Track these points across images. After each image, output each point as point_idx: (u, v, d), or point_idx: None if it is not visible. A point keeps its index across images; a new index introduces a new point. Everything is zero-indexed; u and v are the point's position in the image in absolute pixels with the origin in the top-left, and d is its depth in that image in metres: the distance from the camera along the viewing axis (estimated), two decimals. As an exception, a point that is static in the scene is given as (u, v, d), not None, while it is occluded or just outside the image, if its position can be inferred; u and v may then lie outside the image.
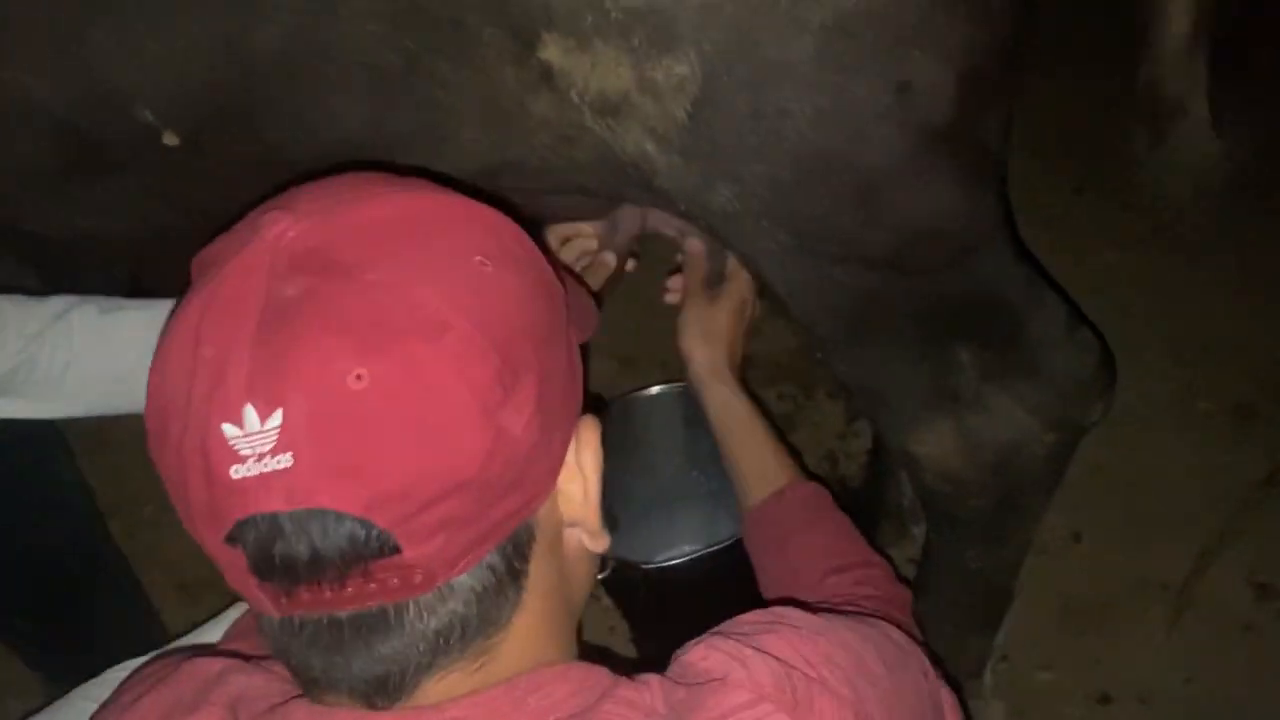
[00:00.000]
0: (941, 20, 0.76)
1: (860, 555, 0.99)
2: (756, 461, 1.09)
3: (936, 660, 0.75)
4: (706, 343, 1.14)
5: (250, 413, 0.50)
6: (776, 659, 0.59)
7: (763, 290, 1.16)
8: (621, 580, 1.34)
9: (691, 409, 1.52)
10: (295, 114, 0.85)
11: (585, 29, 0.76)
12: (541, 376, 0.56)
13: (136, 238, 1.02)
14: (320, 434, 0.50)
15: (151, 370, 0.55)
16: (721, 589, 1.25)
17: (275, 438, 0.49)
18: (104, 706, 0.67)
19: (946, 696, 0.71)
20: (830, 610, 0.79)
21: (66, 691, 1.00)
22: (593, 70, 0.78)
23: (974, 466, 1.10)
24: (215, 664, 0.64)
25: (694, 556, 1.33)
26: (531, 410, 0.54)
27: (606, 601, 1.53)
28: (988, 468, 1.10)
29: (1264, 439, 1.88)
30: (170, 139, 0.86)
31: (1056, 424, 1.06)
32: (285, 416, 0.49)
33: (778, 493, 1.06)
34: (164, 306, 1.04)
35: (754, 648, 0.60)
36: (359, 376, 0.50)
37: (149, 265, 1.06)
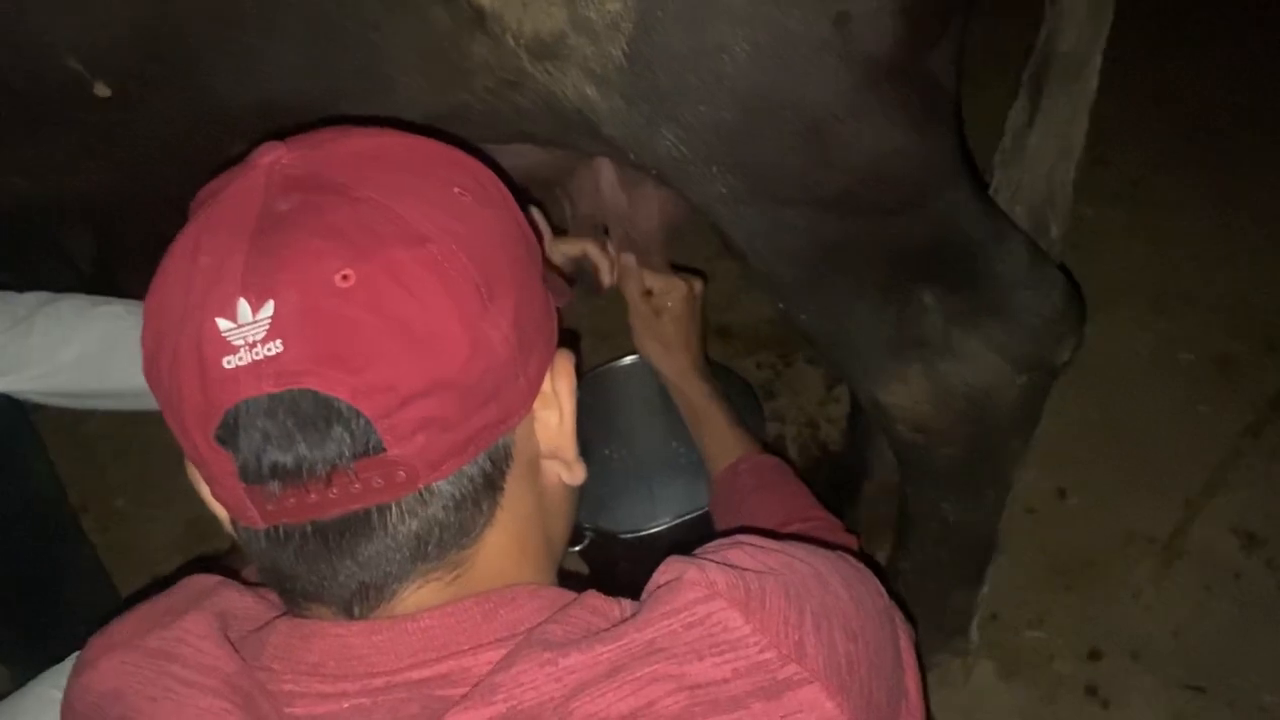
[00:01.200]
0: (877, -55, 0.75)
1: (807, 510, 1.03)
2: (718, 444, 1.19)
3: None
4: (665, 354, 1.24)
5: (243, 305, 0.53)
6: (731, 565, 0.60)
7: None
8: (600, 551, 1.33)
9: (667, 379, 1.52)
10: (228, 63, 0.84)
11: (514, -33, 0.74)
12: (518, 298, 0.59)
13: (76, 197, 1.00)
14: (309, 324, 0.53)
15: (150, 291, 0.58)
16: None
17: (267, 327, 0.52)
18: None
19: (901, 623, 0.71)
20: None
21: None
22: (525, 11, 0.76)
23: (946, 414, 1.09)
24: (211, 579, 0.67)
25: (671, 524, 1.32)
26: (509, 325, 0.57)
27: (587, 574, 1.52)
28: (959, 414, 1.08)
29: (1245, 388, 1.87)
30: (102, 90, 0.84)
31: (1027, 364, 1.05)
32: (276, 308, 0.52)
33: (733, 464, 1.14)
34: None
35: (710, 559, 0.62)
36: (345, 276, 0.53)
37: (92, 226, 1.04)
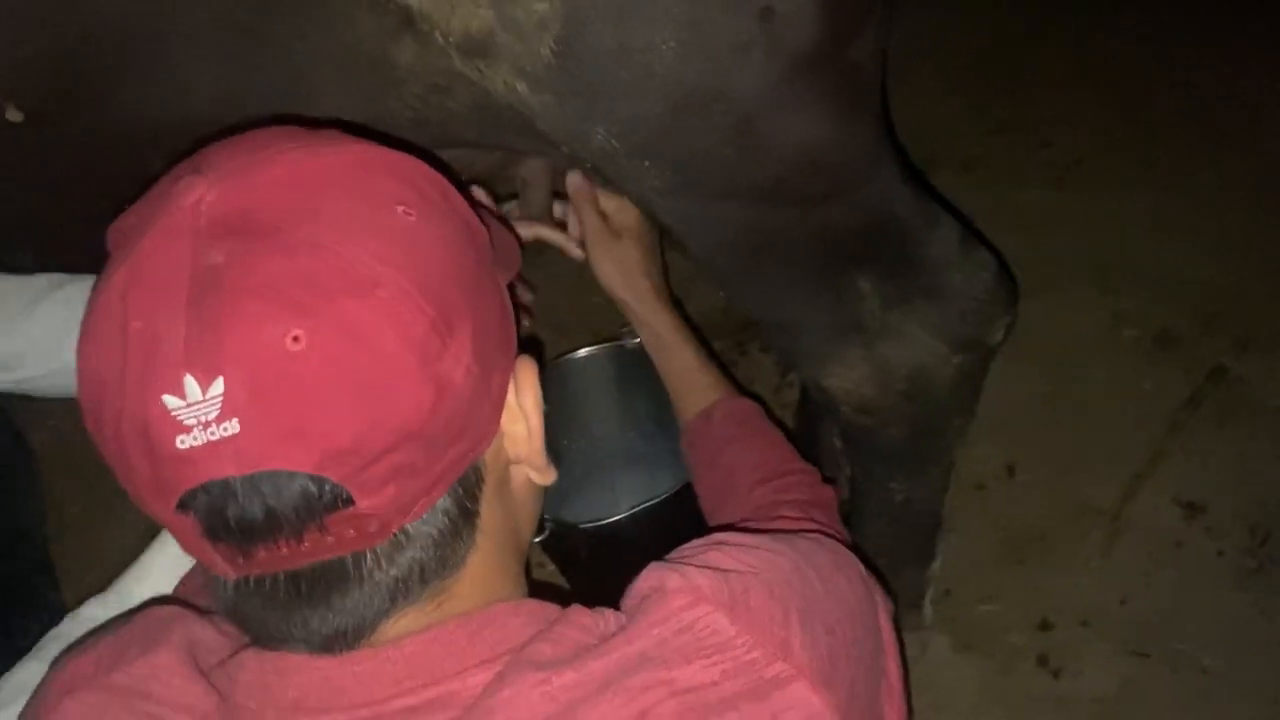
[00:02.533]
0: (796, -61, 0.77)
1: (785, 464, 1.01)
2: (688, 382, 1.12)
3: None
4: (626, 279, 1.13)
5: (191, 383, 0.49)
6: (713, 568, 0.61)
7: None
8: (561, 542, 1.34)
9: (624, 368, 1.53)
10: (143, 80, 0.83)
11: (439, -33, 0.75)
12: (475, 322, 0.56)
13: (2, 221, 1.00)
14: (264, 398, 0.50)
15: (79, 348, 0.54)
16: (663, 542, 1.25)
17: (219, 405, 0.49)
18: (61, 654, 0.68)
19: (881, 601, 0.73)
20: (760, 530, 0.81)
21: None
22: (453, 10, 0.77)
23: (888, 394, 1.11)
24: (169, 609, 0.66)
25: (631, 513, 1.33)
26: (470, 357, 0.55)
27: (551, 567, 1.53)
28: (901, 395, 1.11)
29: (1185, 362, 1.92)
30: (13, 115, 0.83)
31: (962, 344, 1.08)
32: (226, 384, 0.49)
33: (707, 410, 1.08)
34: None
35: (690, 563, 0.62)
36: (295, 339, 0.50)
37: (27, 249, 1.04)
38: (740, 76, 0.82)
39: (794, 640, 0.59)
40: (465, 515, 0.59)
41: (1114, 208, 2.22)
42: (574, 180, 1.12)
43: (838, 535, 0.89)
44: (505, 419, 0.62)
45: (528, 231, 1.13)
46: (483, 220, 0.64)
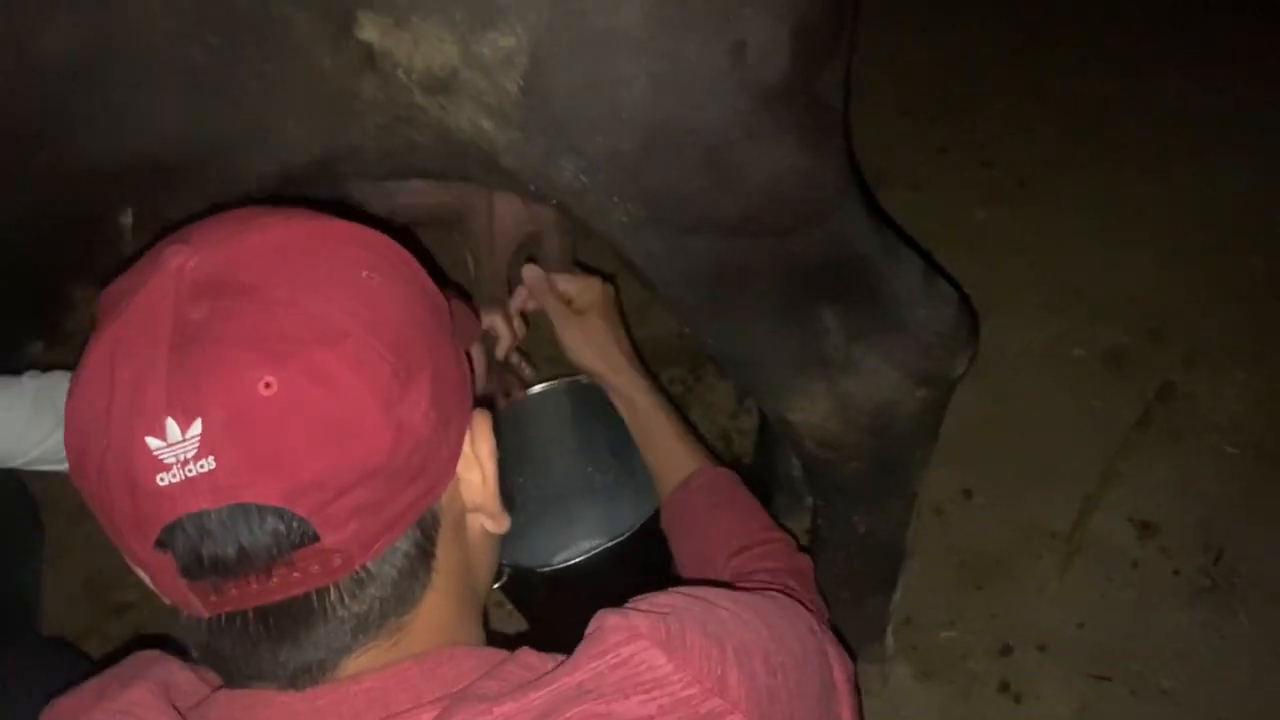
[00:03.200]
0: (769, -25, 0.75)
1: (760, 533, 1.03)
2: (665, 454, 1.15)
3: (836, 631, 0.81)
4: (600, 354, 1.19)
5: (171, 425, 0.54)
6: (652, 611, 0.64)
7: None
8: (520, 585, 1.31)
9: (580, 403, 1.51)
10: (99, 122, 0.81)
11: (401, 6, 0.73)
12: (434, 373, 0.61)
13: None
14: (238, 437, 0.54)
15: (69, 399, 0.59)
16: (623, 581, 1.22)
17: (197, 444, 0.54)
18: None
19: (836, 658, 0.75)
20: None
21: None
22: (416, 47, 0.75)
23: (851, 429, 1.10)
24: (153, 653, 0.70)
25: (591, 554, 1.30)
26: (428, 402, 0.59)
27: (509, 606, 1.50)
28: (864, 429, 1.10)
29: (1135, 380, 1.94)
30: None
31: (925, 378, 1.07)
32: (204, 425, 0.54)
33: (684, 481, 1.11)
34: None
35: (634, 607, 0.65)
36: (268, 384, 0.54)
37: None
38: (711, 110, 0.81)
39: (730, 677, 0.60)
40: (422, 556, 0.62)
41: (1060, 226, 2.25)
42: (529, 272, 1.19)
43: (809, 603, 0.90)
44: (461, 466, 0.65)
45: (484, 318, 1.19)
46: (444, 295, 0.69)
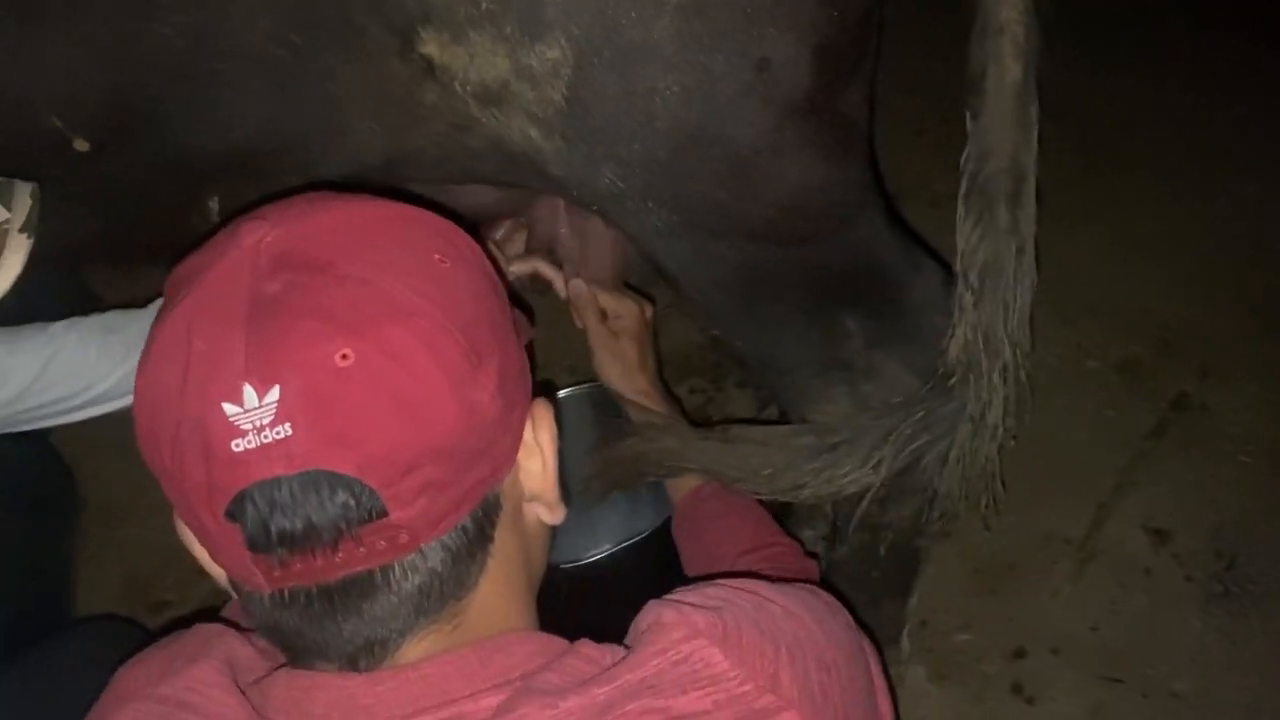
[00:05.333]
0: (794, -1, 0.80)
1: (769, 538, 1.06)
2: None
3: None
4: (626, 375, 1.22)
5: (249, 391, 0.54)
6: (708, 606, 0.65)
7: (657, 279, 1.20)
8: (543, 580, 1.34)
9: (600, 409, 1.54)
10: (196, 113, 0.87)
11: (459, 21, 0.78)
12: (500, 358, 0.61)
13: (62, 243, 1.02)
14: (314, 406, 0.54)
15: (140, 370, 0.59)
16: (644, 580, 1.26)
17: (274, 411, 0.54)
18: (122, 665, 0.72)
19: (871, 652, 0.76)
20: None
21: None
22: (471, 61, 0.80)
23: (870, 431, 1.13)
24: (215, 627, 0.71)
25: (610, 552, 1.33)
26: (494, 386, 0.60)
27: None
28: (883, 432, 1.13)
29: (1149, 391, 1.97)
30: (81, 145, 0.87)
31: (944, 385, 1.10)
32: (282, 392, 0.54)
33: (695, 490, 1.15)
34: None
35: (687, 601, 0.66)
36: (344, 356, 0.55)
37: (87, 264, 1.06)
38: (737, 122, 0.86)
39: (783, 674, 0.62)
40: (481, 538, 0.63)
41: (1077, 240, 2.27)
42: (575, 285, 1.21)
43: None
44: (522, 454, 0.66)
45: (526, 265, 1.21)
46: (498, 268, 0.70)
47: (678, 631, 0.62)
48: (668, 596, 0.68)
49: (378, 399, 0.56)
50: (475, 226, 0.76)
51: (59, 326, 0.90)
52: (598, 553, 1.37)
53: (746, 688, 0.61)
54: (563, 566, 1.32)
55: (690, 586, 0.70)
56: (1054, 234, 2.26)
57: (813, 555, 1.06)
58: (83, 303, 1.14)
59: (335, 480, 0.55)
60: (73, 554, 1.43)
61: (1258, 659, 1.59)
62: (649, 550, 1.28)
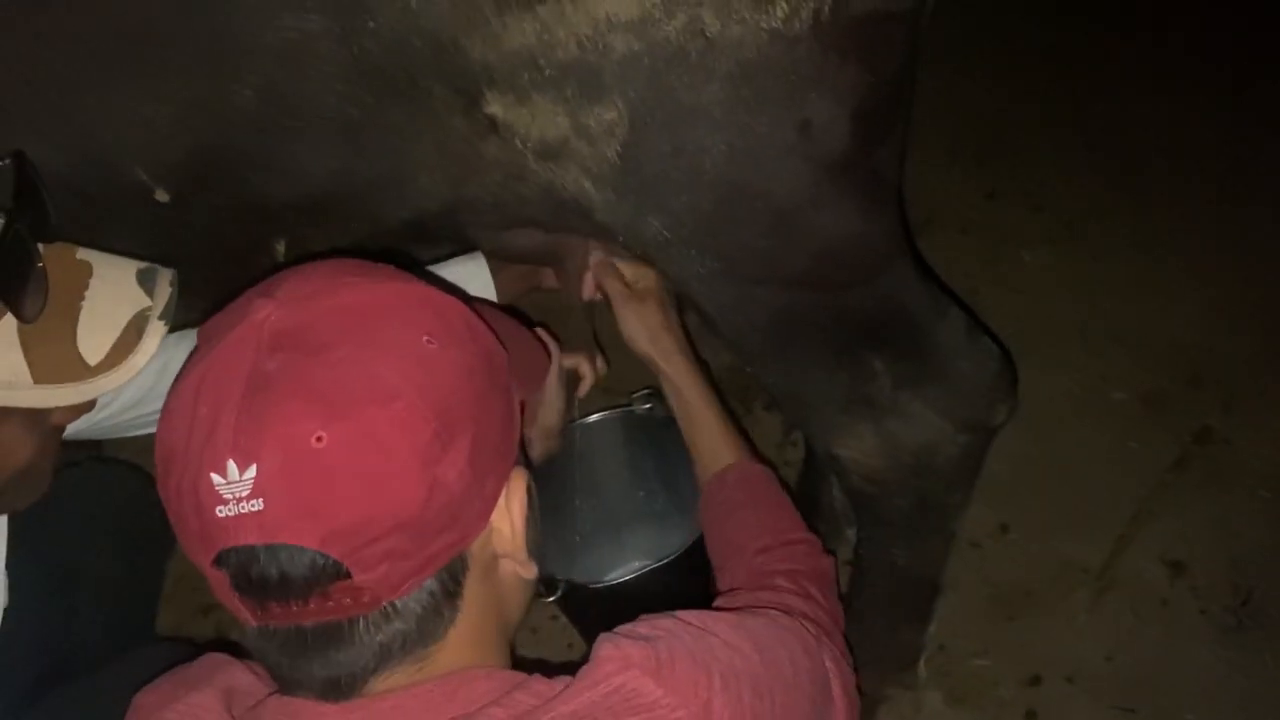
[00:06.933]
0: (835, 66, 0.84)
1: (788, 533, 1.08)
2: (707, 442, 1.20)
3: (849, 647, 0.90)
4: (652, 339, 1.23)
5: (232, 466, 0.62)
6: (645, 638, 0.71)
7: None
8: (574, 600, 1.39)
9: (632, 431, 1.60)
10: (270, 166, 0.93)
11: (523, 85, 0.83)
12: (475, 434, 0.67)
13: None
14: (286, 484, 0.61)
15: (161, 419, 0.68)
16: (671, 601, 1.30)
17: (250, 486, 0.61)
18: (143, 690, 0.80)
19: (835, 673, 0.83)
20: (743, 598, 0.94)
21: None
22: (533, 121, 0.85)
23: (894, 467, 1.18)
24: (222, 656, 0.80)
25: (640, 573, 1.38)
26: (464, 463, 0.66)
27: (564, 619, 1.59)
28: (907, 468, 1.18)
29: (1172, 424, 1.99)
30: (162, 195, 0.94)
31: (966, 426, 1.15)
32: (259, 470, 0.61)
33: (721, 473, 1.17)
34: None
35: (630, 634, 0.72)
36: (319, 438, 0.61)
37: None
38: (779, 178, 0.91)
39: (715, 702, 0.68)
40: (448, 595, 0.69)
41: (1105, 270, 2.30)
42: (595, 255, 1.23)
43: (824, 605, 0.97)
44: (495, 516, 0.72)
45: (570, 360, 1.28)
46: (512, 343, 0.77)
47: (612, 664, 0.68)
48: (618, 629, 0.74)
49: (345, 478, 0.62)
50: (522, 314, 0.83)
51: (172, 338, 0.97)
52: (626, 573, 1.42)
53: (679, 714, 0.67)
54: (592, 586, 1.37)
55: (647, 617, 0.76)
56: (1085, 263, 2.32)
57: (830, 552, 1.09)
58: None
59: (301, 549, 0.62)
60: (163, 578, 1.49)
61: (1272, 694, 1.61)
62: (674, 572, 1.33)
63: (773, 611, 0.86)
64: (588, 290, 1.27)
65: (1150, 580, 1.77)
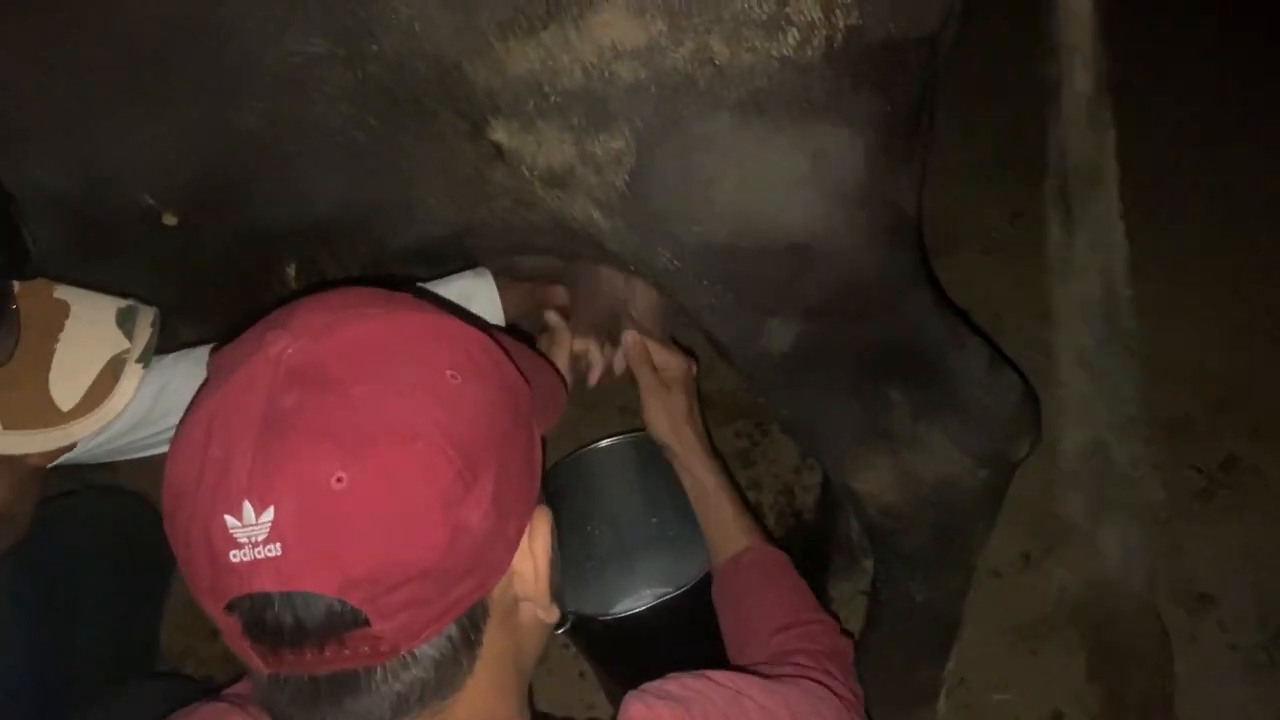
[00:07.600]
0: (849, 95, 0.82)
1: (805, 613, 1.07)
2: (723, 528, 1.20)
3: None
4: (674, 427, 1.24)
5: (248, 508, 0.58)
6: (676, 699, 0.69)
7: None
8: (583, 631, 1.37)
9: (646, 458, 1.57)
10: (277, 190, 0.92)
11: (528, 112, 0.82)
12: (498, 473, 0.64)
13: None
14: (305, 528, 0.58)
15: (169, 458, 0.64)
16: (681, 630, 1.29)
17: (268, 530, 0.58)
18: None
19: None
20: (766, 670, 0.90)
21: None
22: (539, 148, 0.84)
23: (912, 501, 1.15)
24: (220, 705, 0.77)
25: (649, 605, 1.36)
26: (488, 504, 0.63)
27: (575, 648, 1.56)
28: (925, 502, 1.15)
29: (1199, 453, 1.95)
30: (170, 219, 0.93)
31: (986, 459, 1.12)
32: (276, 513, 0.58)
33: (736, 556, 1.16)
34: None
35: (660, 694, 0.70)
36: (339, 479, 0.59)
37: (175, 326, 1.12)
38: (793, 209, 0.89)
39: None
40: (467, 644, 0.66)
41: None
42: (629, 337, 1.24)
43: (845, 685, 0.94)
44: (517, 558, 0.68)
45: (580, 344, 1.25)
46: (531, 373, 0.74)
47: None
48: (645, 686, 0.72)
49: (365, 522, 0.59)
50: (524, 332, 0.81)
51: (170, 358, 0.95)
52: (638, 604, 1.39)
53: None
54: (600, 618, 1.34)
55: (676, 675, 0.74)
56: (1107, 288, 2.26)
57: (848, 634, 1.07)
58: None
59: (319, 595, 0.59)
60: (162, 609, 1.48)
61: (1300, 732, 1.57)
62: (685, 605, 1.30)
63: (805, 681, 0.85)
64: (618, 367, 1.29)
65: (1176, 614, 1.72)
